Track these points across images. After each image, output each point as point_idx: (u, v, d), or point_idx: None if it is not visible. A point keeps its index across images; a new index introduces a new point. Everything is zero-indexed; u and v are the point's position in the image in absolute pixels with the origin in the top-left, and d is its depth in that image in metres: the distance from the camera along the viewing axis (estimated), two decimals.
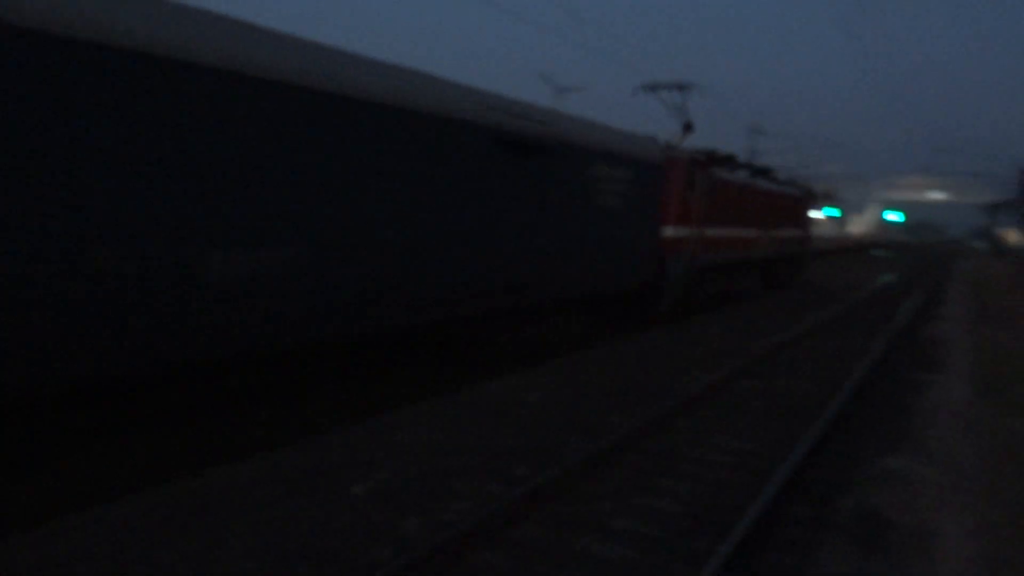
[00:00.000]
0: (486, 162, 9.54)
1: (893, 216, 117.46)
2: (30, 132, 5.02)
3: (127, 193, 5.56)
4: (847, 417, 8.46)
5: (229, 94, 6.21)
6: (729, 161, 19.01)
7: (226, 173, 6.26)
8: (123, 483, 6.17)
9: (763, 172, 22.38)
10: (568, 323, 12.97)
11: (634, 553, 5.31)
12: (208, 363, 6.40)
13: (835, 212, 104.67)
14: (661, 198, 14.56)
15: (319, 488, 6.23)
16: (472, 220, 9.36)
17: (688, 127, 18.02)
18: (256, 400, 7.58)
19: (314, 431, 7.71)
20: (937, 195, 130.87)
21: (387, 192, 8.00)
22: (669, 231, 15.12)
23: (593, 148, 11.91)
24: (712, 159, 17.64)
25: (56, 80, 5.08)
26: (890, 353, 12.91)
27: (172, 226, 5.87)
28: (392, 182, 8.05)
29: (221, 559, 4.99)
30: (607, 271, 12.77)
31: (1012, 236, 68.30)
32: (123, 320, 5.62)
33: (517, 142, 10.08)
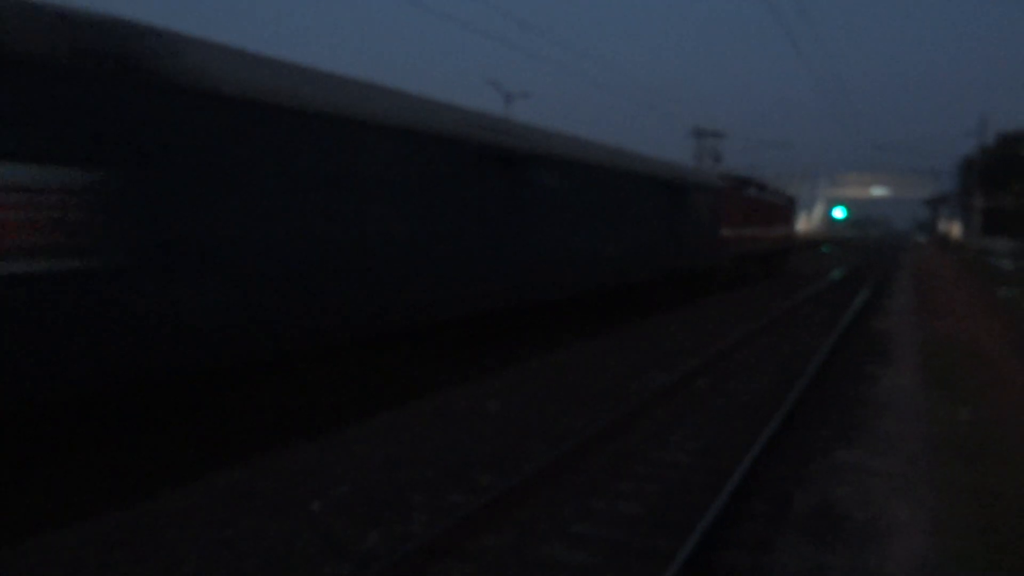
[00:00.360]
0: (661, 199, 17.42)
1: (839, 212, 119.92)
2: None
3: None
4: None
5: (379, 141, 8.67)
6: (746, 182, 27.64)
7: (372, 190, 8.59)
8: (68, 509, 6.00)
9: (762, 187, 30.18)
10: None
11: (595, 557, 5.33)
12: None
13: None
14: (719, 211, 22.43)
15: (277, 505, 6.14)
16: (652, 232, 17.14)
17: (718, 159, 35.98)
18: (211, 418, 7.44)
19: (271, 447, 7.60)
20: (880, 191, 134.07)
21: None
22: (724, 231, 23.14)
23: (702, 184, 20.60)
24: (741, 182, 26.70)
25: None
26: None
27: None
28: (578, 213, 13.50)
29: None
30: (699, 257, 20.83)
31: (955, 229, 70.36)
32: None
33: (678, 187, 18.51)
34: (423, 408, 9.07)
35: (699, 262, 20.83)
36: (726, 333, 15.34)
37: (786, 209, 36.09)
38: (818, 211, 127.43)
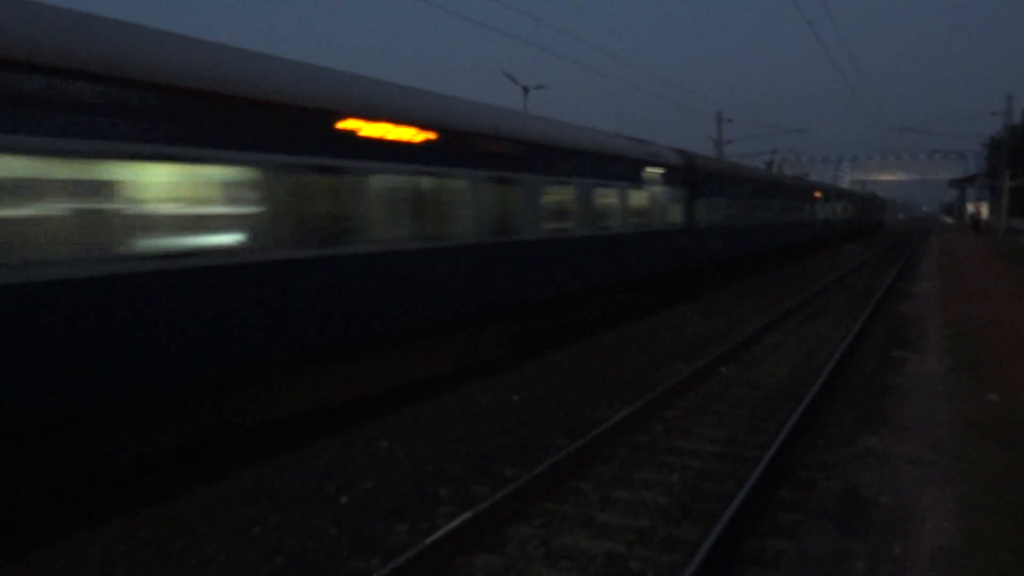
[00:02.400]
0: (760, 198, 25.82)
1: None
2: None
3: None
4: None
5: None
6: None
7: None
8: (102, 507, 6.12)
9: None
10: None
11: (621, 546, 5.35)
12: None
13: None
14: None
15: (305, 501, 6.22)
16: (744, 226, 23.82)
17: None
18: (236, 416, 7.53)
19: (296, 443, 7.68)
20: (904, 174, 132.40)
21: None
22: None
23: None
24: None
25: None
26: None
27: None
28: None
29: None
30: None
31: (983, 210, 69.20)
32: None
33: (770, 190, 27.51)
34: (446, 402, 9.12)
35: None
36: (748, 319, 15.26)
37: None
38: None
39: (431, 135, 9.25)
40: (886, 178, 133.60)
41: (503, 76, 34.11)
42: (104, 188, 5.67)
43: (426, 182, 9.12)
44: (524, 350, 11.99)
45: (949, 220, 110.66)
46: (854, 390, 9.20)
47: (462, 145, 9.84)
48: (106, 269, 5.65)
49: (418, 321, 9.08)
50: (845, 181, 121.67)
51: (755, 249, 25.68)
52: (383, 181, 8.46)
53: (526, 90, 34.86)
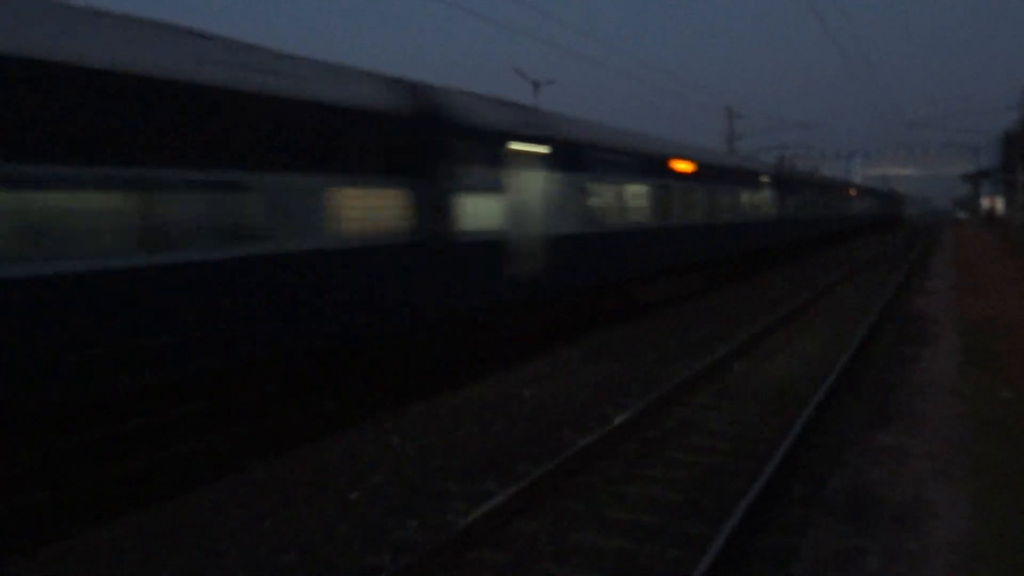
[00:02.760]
0: (819, 197, 34.18)
1: None
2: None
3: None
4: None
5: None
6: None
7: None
8: (112, 504, 6.14)
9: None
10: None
11: (631, 543, 5.33)
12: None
13: None
14: None
15: (315, 496, 6.22)
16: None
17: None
18: (246, 413, 7.55)
19: (308, 440, 7.69)
20: (916, 169, 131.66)
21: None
22: None
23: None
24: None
25: None
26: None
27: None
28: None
29: (221, 573, 4.98)
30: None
31: (998, 205, 68.49)
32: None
33: (823, 191, 35.48)
34: (456, 398, 9.12)
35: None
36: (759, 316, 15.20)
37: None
38: None
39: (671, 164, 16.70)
40: (898, 173, 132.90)
41: (512, 72, 34.03)
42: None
43: (660, 188, 16.00)
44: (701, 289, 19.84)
45: (962, 215, 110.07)
46: (875, 365, 9.14)
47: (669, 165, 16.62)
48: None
49: (654, 269, 15.82)
50: (856, 176, 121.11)
51: (818, 233, 35.77)
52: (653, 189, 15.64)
53: (536, 86, 34.81)
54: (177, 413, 6.87)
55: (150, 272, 5.96)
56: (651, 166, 15.45)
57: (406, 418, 8.33)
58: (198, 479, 6.69)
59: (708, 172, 19.28)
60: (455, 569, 5.02)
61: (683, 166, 17.43)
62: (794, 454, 6.85)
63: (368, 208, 8.14)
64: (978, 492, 5.14)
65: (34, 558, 5.21)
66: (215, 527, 5.67)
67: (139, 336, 5.86)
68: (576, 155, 12.51)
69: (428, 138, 9.11)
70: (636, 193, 14.74)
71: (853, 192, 47.90)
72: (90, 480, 6.22)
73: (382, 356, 9.08)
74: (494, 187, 10.32)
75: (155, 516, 5.87)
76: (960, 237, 41.98)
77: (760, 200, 24.40)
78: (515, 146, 10.78)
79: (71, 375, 5.42)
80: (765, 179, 25.09)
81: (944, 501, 4.99)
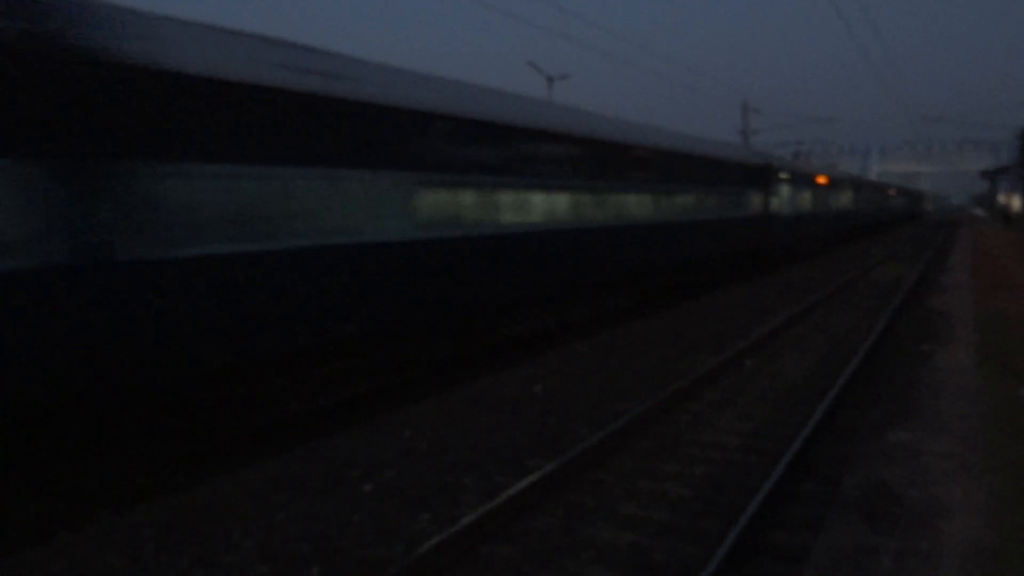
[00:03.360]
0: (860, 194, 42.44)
1: None
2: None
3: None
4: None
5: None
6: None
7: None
8: (128, 492, 6.20)
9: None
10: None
11: (643, 538, 5.33)
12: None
13: None
14: None
15: (329, 488, 6.26)
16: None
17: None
18: (261, 403, 7.60)
19: (321, 432, 7.74)
20: (933, 165, 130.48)
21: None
22: None
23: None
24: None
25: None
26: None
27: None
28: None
29: (235, 563, 5.03)
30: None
31: (1016, 202, 67.59)
32: None
33: (863, 190, 43.74)
34: (469, 392, 9.14)
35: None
36: (776, 311, 15.14)
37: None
38: None
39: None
40: (915, 169, 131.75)
41: (527, 66, 33.96)
42: None
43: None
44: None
45: (980, 212, 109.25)
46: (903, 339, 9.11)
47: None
48: None
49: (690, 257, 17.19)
50: (873, 173, 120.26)
51: (861, 224, 44.80)
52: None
53: (550, 80, 34.74)
54: (194, 406, 6.92)
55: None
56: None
57: (419, 412, 8.35)
58: (214, 470, 6.75)
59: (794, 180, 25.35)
60: (467, 563, 5.04)
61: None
62: (810, 446, 6.83)
63: (842, 201, 33.84)
64: (994, 490, 5.11)
65: (53, 545, 5.27)
66: (230, 518, 5.71)
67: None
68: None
69: (845, 183, 36.88)
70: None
71: (892, 192, 62.41)
72: (109, 469, 6.29)
73: (393, 352, 9.12)
74: (841, 198, 29.65)
75: (172, 506, 5.92)
76: (976, 237, 41.56)
77: (821, 196, 30.96)
78: None
79: (302, 324, 7.23)
80: (842, 182, 36.02)
81: (960, 500, 4.96)
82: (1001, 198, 77.20)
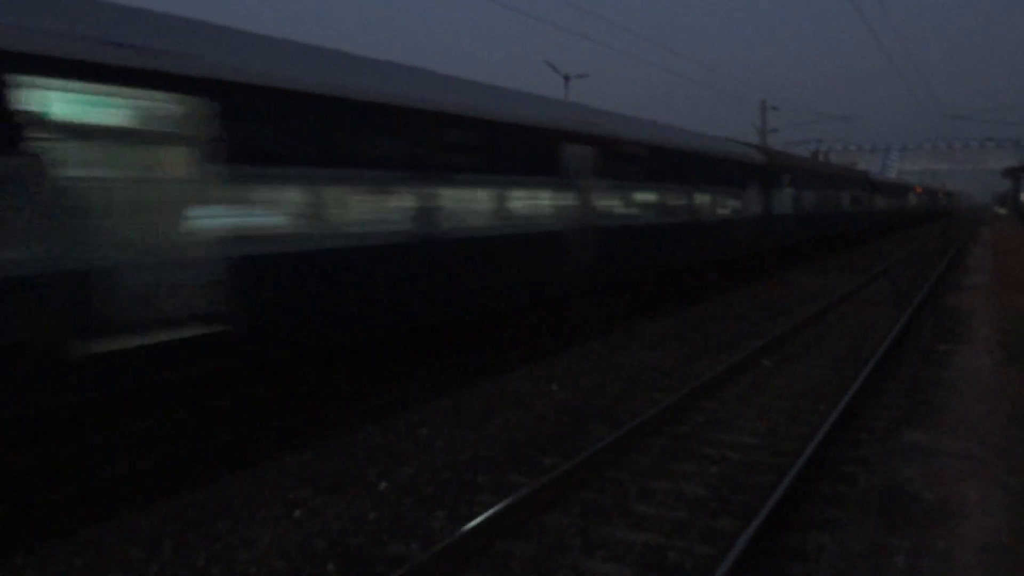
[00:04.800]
0: (894, 195, 51.74)
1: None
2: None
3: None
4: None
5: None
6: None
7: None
8: (149, 488, 6.28)
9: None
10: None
11: (658, 537, 5.34)
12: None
13: None
14: None
15: (345, 486, 6.31)
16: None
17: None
18: (279, 402, 7.67)
19: (339, 430, 7.79)
20: (955, 163, 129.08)
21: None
22: None
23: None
24: None
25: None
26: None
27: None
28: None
29: (252, 559, 5.09)
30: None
31: None
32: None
33: (896, 190, 53.31)
34: (485, 391, 9.17)
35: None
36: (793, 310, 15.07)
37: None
38: None
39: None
40: (937, 167, 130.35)
41: (543, 65, 33.96)
42: None
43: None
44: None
45: (1002, 211, 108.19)
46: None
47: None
48: None
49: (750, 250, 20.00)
50: (893, 171, 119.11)
51: (900, 220, 54.90)
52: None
53: (567, 79, 34.70)
54: (211, 404, 6.99)
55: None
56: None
57: (435, 410, 8.40)
58: (233, 467, 6.81)
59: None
60: (482, 560, 5.07)
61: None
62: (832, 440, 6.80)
63: (876, 202, 42.03)
64: (1011, 491, 5.08)
65: (74, 541, 5.36)
66: (248, 515, 5.78)
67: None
68: None
69: (869, 185, 41.80)
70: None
71: (919, 190, 70.74)
72: (128, 466, 6.37)
73: (411, 350, 9.17)
74: (887, 200, 43.16)
75: (191, 502, 6.00)
76: (997, 236, 41.09)
77: (855, 197, 36.20)
78: None
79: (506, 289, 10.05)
80: (892, 186, 49.43)
81: (976, 500, 4.94)
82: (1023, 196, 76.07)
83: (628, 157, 13.18)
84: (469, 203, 9.42)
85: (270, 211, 6.86)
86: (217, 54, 6.53)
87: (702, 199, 16.44)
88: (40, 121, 5.24)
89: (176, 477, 6.53)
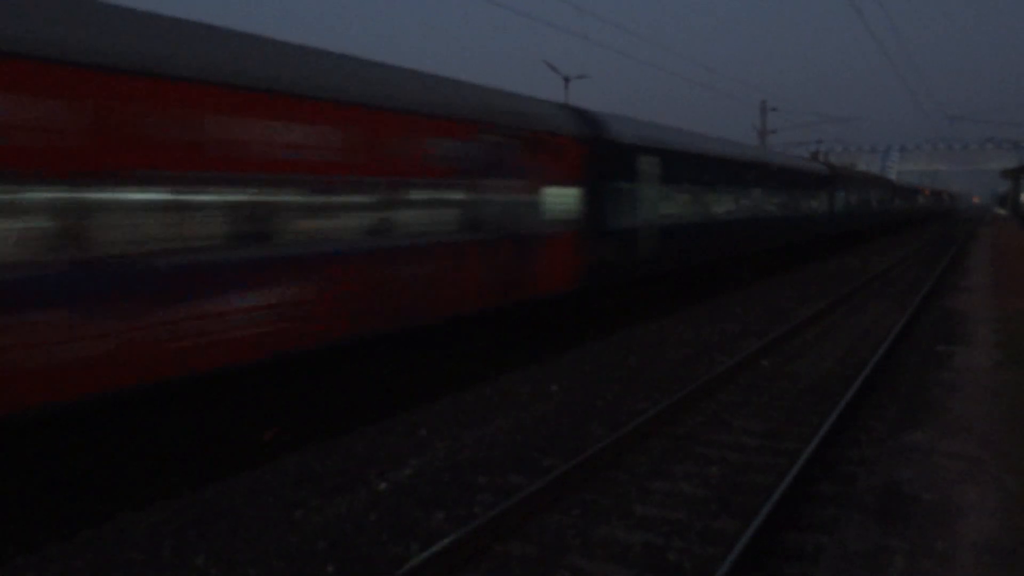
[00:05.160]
0: (906, 197, 60.77)
1: None
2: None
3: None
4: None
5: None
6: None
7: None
8: (148, 490, 6.28)
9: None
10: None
11: (658, 538, 5.35)
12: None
13: None
14: None
15: (345, 487, 6.32)
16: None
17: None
18: (279, 402, 7.67)
19: (339, 431, 7.80)
20: (955, 164, 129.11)
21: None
22: None
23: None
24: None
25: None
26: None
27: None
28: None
29: (252, 560, 5.09)
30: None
31: None
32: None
33: (908, 193, 62.84)
34: (485, 391, 9.18)
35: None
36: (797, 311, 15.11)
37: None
38: None
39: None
40: (936, 168, 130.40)
41: (543, 65, 33.97)
42: None
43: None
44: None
45: (1002, 212, 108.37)
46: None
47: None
48: None
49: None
50: (893, 171, 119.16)
51: (907, 219, 61.70)
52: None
53: (567, 80, 34.72)
54: (211, 404, 6.99)
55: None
56: None
57: (435, 411, 8.40)
58: (233, 468, 6.81)
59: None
60: (482, 561, 5.08)
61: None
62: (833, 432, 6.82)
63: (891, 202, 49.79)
64: (1010, 492, 5.09)
65: (74, 542, 5.36)
66: (248, 515, 5.78)
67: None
68: None
69: (891, 188, 53.07)
70: None
71: (927, 192, 79.76)
72: (129, 467, 6.37)
73: (409, 351, 9.17)
74: (903, 202, 57.96)
75: (190, 503, 6.00)
76: (996, 237, 41.13)
77: (883, 198, 45.35)
78: None
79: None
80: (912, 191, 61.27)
81: (975, 501, 4.95)
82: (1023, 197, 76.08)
83: (765, 175, 21.15)
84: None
85: None
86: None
87: (796, 200, 24.75)
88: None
89: (176, 478, 6.53)
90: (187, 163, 6.02)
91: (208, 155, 6.18)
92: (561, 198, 10.93)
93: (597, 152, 11.92)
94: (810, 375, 10.01)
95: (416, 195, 8.26)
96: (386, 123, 7.89)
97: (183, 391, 6.58)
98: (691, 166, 15.61)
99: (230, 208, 6.37)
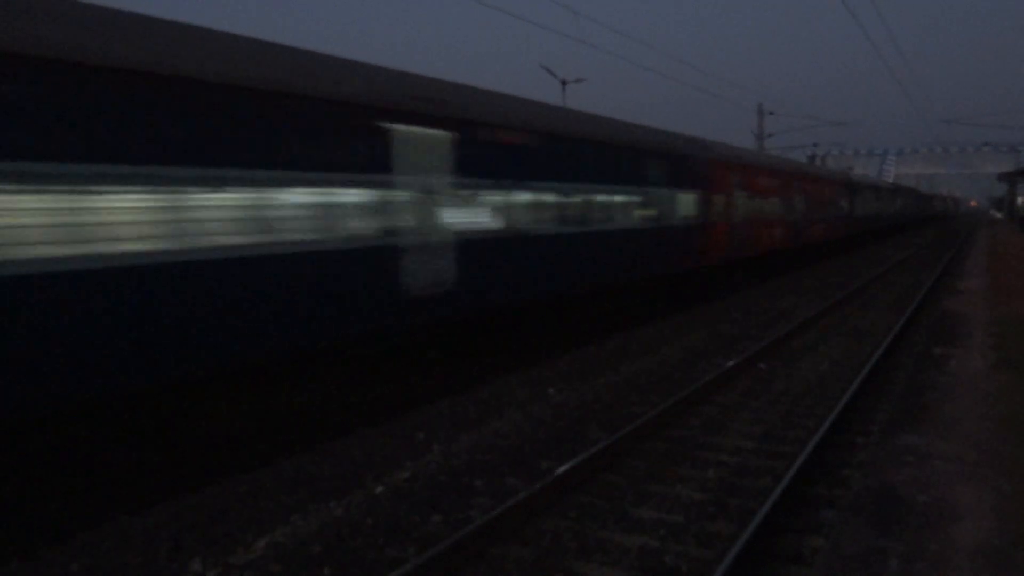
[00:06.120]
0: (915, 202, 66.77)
1: None
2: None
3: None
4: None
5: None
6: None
7: None
8: (144, 493, 6.28)
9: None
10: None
11: (654, 541, 5.35)
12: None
13: None
14: None
15: (342, 490, 6.32)
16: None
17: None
18: (276, 406, 7.67)
19: (335, 434, 7.80)
20: (952, 167, 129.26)
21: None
22: None
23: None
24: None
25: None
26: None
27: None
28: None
29: (248, 563, 5.09)
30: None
31: None
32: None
33: (918, 198, 68.54)
34: (482, 395, 9.18)
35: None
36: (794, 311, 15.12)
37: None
38: None
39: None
40: (933, 172, 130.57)
41: (540, 69, 34.00)
42: None
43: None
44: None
45: (998, 215, 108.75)
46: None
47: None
48: None
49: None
50: (890, 175, 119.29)
51: (913, 220, 64.66)
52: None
53: (564, 84, 34.76)
54: (208, 406, 7.00)
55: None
56: None
57: (432, 414, 8.40)
58: (229, 471, 6.82)
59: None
60: (479, 564, 5.08)
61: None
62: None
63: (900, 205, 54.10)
64: (1005, 495, 5.10)
65: (71, 545, 5.36)
66: (244, 518, 5.78)
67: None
68: None
69: (907, 193, 59.98)
70: None
71: (949, 198, 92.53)
72: (123, 468, 6.37)
73: (408, 353, 9.18)
74: (912, 205, 65.62)
75: (187, 506, 6.00)
76: (993, 239, 41.23)
77: (895, 202, 49.71)
78: None
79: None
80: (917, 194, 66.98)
81: (970, 503, 4.96)
82: (1020, 200, 76.13)
83: (807, 187, 25.24)
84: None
85: None
86: None
87: (826, 204, 28.56)
88: None
89: (172, 481, 6.53)
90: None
91: None
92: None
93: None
94: (807, 378, 10.03)
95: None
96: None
97: (183, 391, 6.59)
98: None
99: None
